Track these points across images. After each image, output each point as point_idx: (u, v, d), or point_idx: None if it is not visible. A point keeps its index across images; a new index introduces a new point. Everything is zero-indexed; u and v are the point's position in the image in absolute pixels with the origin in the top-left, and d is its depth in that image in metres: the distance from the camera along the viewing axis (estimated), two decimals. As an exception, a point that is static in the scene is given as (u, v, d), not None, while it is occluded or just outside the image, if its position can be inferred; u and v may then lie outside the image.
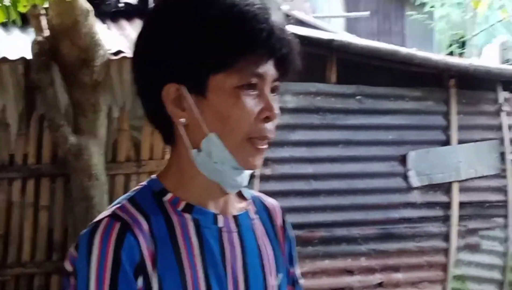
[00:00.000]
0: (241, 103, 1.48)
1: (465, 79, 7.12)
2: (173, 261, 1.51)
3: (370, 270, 6.87)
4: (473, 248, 7.29)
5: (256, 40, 1.47)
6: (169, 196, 1.57)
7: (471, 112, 7.27)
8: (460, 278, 7.22)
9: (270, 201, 1.78)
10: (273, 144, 6.38)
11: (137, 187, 1.61)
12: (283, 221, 1.77)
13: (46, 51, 5.51)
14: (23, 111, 6.07)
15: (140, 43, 1.59)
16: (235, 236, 1.61)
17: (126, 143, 6.07)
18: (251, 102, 1.49)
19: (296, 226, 6.50)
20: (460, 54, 14.29)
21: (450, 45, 14.60)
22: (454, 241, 7.12)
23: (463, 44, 14.44)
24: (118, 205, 1.54)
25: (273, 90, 1.55)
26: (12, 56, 5.73)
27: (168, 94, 1.52)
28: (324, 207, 6.63)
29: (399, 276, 6.98)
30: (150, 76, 1.56)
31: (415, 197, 7.01)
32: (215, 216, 1.59)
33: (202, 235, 1.55)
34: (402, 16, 15.54)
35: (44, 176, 5.93)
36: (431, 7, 14.18)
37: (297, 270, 1.81)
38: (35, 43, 5.53)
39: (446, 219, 7.12)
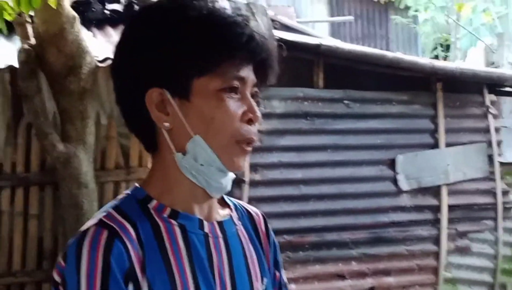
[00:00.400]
0: (225, 106, 1.52)
1: (451, 82, 7.14)
2: (162, 267, 1.51)
3: (361, 274, 6.86)
4: (463, 251, 7.30)
5: (237, 44, 1.51)
6: (153, 203, 1.57)
7: (458, 115, 7.29)
8: (451, 281, 7.23)
9: (253, 209, 1.81)
10: (262, 150, 6.40)
11: (121, 196, 1.62)
12: (266, 227, 1.79)
13: (32, 59, 5.47)
14: (10, 120, 6.03)
15: (122, 49, 1.60)
16: (221, 241, 1.62)
17: (115, 151, 6.05)
18: (234, 105, 1.53)
19: (286, 232, 6.55)
20: (445, 58, 14.35)
21: (435, 49, 14.66)
22: (444, 244, 7.13)
23: (447, 47, 14.50)
24: (104, 214, 1.54)
25: (253, 96, 1.58)
26: (-2, 65, 5.69)
27: (151, 98, 1.53)
28: (314, 212, 6.62)
29: (390, 280, 6.99)
30: (132, 81, 1.56)
31: (405, 200, 7.02)
32: (200, 222, 1.59)
33: (189, 240, 1.56)
34: (386, 20, 15.57)
35: (33, 185, 5.89)
36: (415, 10, 14.22)
37: (284, 276, 1.83)
38: (21, 51, 5.49)
39: (435, 222, 7.13)
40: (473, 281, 7.31)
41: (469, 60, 13.64)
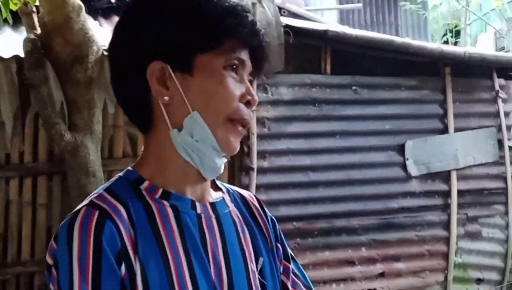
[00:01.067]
0: (227, 83, 1.54)
1: (460, 67, 7.10)
2: (155, 247, 1.51)
3: (371, 260, 6.85)
4: (474, 236, 7.27)
5: (241, 25, 1.54)
6: (146, 184, 1.58)
7: (468, 100, 7.26)
8: (461, 266, 7.21)
9: (245, 192, 1.83)
10: (270, 137, 6.40)
11: (113, 178, 1.63)
12: (261, 206, 1.81)
13: (38, 48, 5.47)
14: (17, 110, 6.04)
15: (124, 24, 1.62)
16: (214, 221, 1.62)
17: (122, 139, 6.06)
18: (235, 84, 1.56)
19: (295, 218, 6.55)
20: (455, 44, 14.25)
21: (444, 35, 14.57)
22: (454, 229, 7.10)
23: (457, 33, 14.41)
24: (95, 195, 1.55)
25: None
26: (5, 55, 5.70)
27: (153, 72, 1.55)
28: (323, 198, 6.60)
29: (400, 265, 6.97)
30: (134, 55, 1.57)
31: (414, 186, 6.99)
32: (193, 202, 1.60)
33: (181, 221, 1.56)
34: (395, 7, 15.50)
35: (41, 174, 5.90)
36: (424, -4, 14.17)
37: (288, 248, 1.82)
38: (27, 41, 5.49)
39: (445, 207, 7.11)
40: (483, 266, 7.29)
41: (479, 45, 13.57)
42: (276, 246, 1.78)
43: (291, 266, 1.80)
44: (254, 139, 6.24)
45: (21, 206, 5.86)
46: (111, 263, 1.44)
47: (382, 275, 6.89)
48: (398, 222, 6.93)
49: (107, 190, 1.56)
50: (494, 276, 7.34)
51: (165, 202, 1.56)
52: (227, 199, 1.71)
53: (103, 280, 1.43)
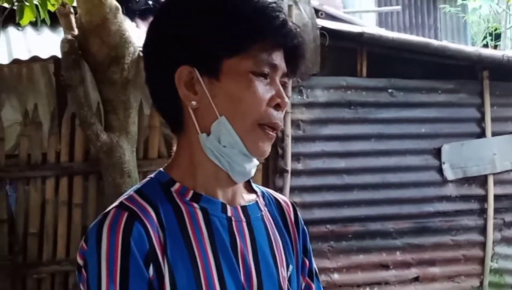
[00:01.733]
0: (254, 87, 1.51)
1: (498, 70, 7.03)
2: (184, 250, 1.50)
3: (406, 265, 6.81)
4: (510, 241, 7.20)
5: (270, 26, 1.50)
6: (176, 186, 1.57)
7: (505, 104, 7.18)
8: (497, 271, 7.13)
9: (281, 197, 1.79)
10: (305, 139, 6.39)
11: (145, 180, 1.61)
12: (295, 215, 1.76)
13: (75, 49, 5.52)
14: (54, 110, 6.10)
15: (156, 26, 1.60)
16: (245, 225, 1.60)
17: (158, 140, 6.09)
18: (263, 88, 1.52)
19: (329, 221, 6.54)
20: (495, 47, 14.11)
21: (484, 38, 14.43)
22: (491, 234, 7.03)
23: (497, 37, 14.26)
24: (125, 197, 1.54)
25: (281, 85, 1.57)
26: (43, 55, 5.76)
27: (181, 76, 1.53)
28: (357, 201, 6.58)
29: (435, 270, 6.92)
30: (163, 58, 1.56)
31: (450, 190, 6.94)
32: (223, 205, 1.58)
33: (211, 223, 1.55)
34: (434, 9, 15.36)
35: (77, 174, 5.97)
36: (464, -1, 14.04)
37: (314, 265, 1.79)
38: (64, 41, 5.54)
39: (482, 212, 7.04)
40: (520, 272, 7.21)
41: (520, 49, 13.41)
42: (303, 259, 1.75)
43: (314, 286, 1.78)
44: (288, 141, 6.24)
45: (57, 205, 5.93)
46: (139, 265, 1.44)
47: (416, 279, 6.85)
48: (434, 226, 6.88)
49: (137, 191, 1.55)
50: (530, 282, 7.26)
51: (195, 205, 1.55)
52: (261, 203, 1.68)
53: (131, 282, 1.43)
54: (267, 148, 1.56)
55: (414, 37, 7.17)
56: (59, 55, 5.61)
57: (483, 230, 7.03)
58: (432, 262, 6.89)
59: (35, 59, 5.78)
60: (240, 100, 1.51)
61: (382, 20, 14.81)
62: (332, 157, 6.54)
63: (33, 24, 5.52)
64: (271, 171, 6.33)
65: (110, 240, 1.44)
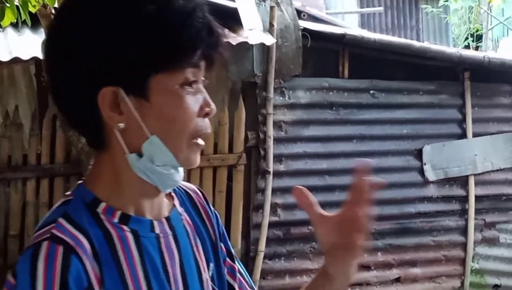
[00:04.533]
0: (185, 103, 1.43)
1: (479, 71, 7.05)
2: (117, 278, 1.43)
3: (387, 265, 6.83)
4: (491, 241, 7.23)
5: (197, 38, 1.43)
6: (102, 206, 1.47)
7: (486, 105, 7.20)
8: (478, 272, 7.16)
9: (189, 186, 1.72)
10: (287, 140, 6.40)
11: (66, 198, 1.49)
12: (206, 201, 1.72)
13: (57, 50, 5.49)
14: (35, 111, 6.08)
15: (64, 47, 1.44)
16: (171, 239, 1.55)
17: (139, 141, 6.07)
18: (192, 101, 1.45)
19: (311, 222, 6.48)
20: (477, 48, 14.19)
21: (466, 39, 14.50)
22: (472, 234, 7.06)
23: (479, 38, 14.34)
24: (53, 225, 1.41)
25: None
26: (24, 56, 5.72)
27: (104, 98, 1.41)
28: (339, 202, 6.40)
29: (416, 270, 6.94)
30: (81, 79, 1.42)
31: (431, 191, 6.96)
32: (151, 223, 1.52)
33: (141, 246, 1.49)
34: (416, 10, 15.44)
35: (58, 176, 5.95)
36: (446, 0, 14.09)
37: (231, 247, 1.75)
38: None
39: (463, 213, 7.06)
40: (501, 272, 7.23)
41: (501, 50, 13.49)
42: (220, 245, 1.70)
43: (236, 265, 1.74)
44: (270, 143, 6.24)
45: (38, 207, 5.89)
46: None
47: (398, 280, 6.87)
48: (415, 227, 6.90)
49: (64, 216, 1.42)
50: (511, 282, 7.28)
51: (125, 227, 1.47)
52: (178, 205, 1.63)
53: None
54: (198, 158, 1.51)
55: (396, 38, 7.19)
56: (40, 56, 5.58)
57: (464, 231, 7.05)
58: (413, 263, 6.91)
59: (16, 60, 5.73)
60: (173, 119, 1.43)
61: (365, 21, 14.87)
62: (314, 158, 6.55)
63: (14, 25, 5.49)
64: (253, 173, 6.33)
65: (46, 279, 1.33)
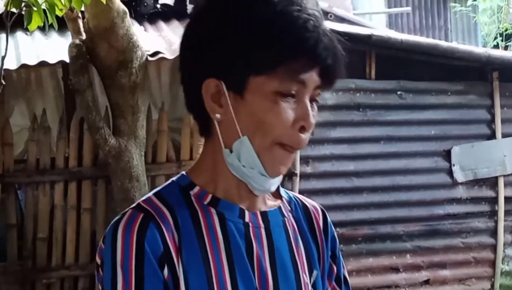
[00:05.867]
0: (278, 109, 1.45)
1: (508, 71, 6.99)
2: (198, 254, 1.49)
3: (416, 267, 6.79)
4: (521, 243, 7.17)
5: (302, 48, 1.44)
6: (196, 189, 1.56)
7: (516, 105, 7.15)
8: (508, 274, 7.11)
9: (310, 202, 1.74)
10: (313, 142, 6.36)
11: (166, 183, 1.61)
12: (325, 221, 1.72)
13: (83, 54, 5.52)
14: (63, 114, 6.11)
15: (187, 35, 1.58)
16: (263, 231, 1.58)
17: (166, 144, 6.08)
18: (288, 110, 1.46)
19: (339, 224, 6.50)
20: (506, 47, 14.06)
21: (495, 38, 14.37)
22: (502, 236, 7.01)
23: (508, 37, 14.21)
24: (144, 199, 1.54)
25: (313, 98, 1.51)
26: (51, 60, 5.76)
27: (208, 88, 1.50)
28: (367, 204, 6.56)
29: (446, 273, 6.90)
30: (193, 68, 1.55)
31: (460, 192, 6.92)
32: (241, 211, 1.56)
33: (227, 228, 1.53)
34: (445, 10, 15.30)
35: (86, 179, 5.97)
36: (474, 0, 13.97)
37: (343, 271, 1.75)
38: (72, 46, 5.55)
39: (492, 214, 7.01)
40: (531, 274, 7.18)
41: (531, 49, 13.36)
42: (330, 265, 1.71)
43: None
44: (297, 145, 6.22)
45: (66, 210, 5.93)
46: (153, 266, 1.45)
47: (427, 282, 6.83)
48: (444, 228, 6.86)
49: (156, 194, 1.55)
50: (542, 284, 7.22)
51: (212, 210, 1.54)
52: (285, 208, 1.65)
53: (146, 282, 1.44)
54: (284, 169, 1.53)
55: (423, 38, 7.15)
56: (67, 60, 5.61)
57: (493, 232, 7.00)
58: (442, 265, 6.87)
59: (43, 64, 5.78)
60: (262, 120, 1.46)
61: (392, 21, 14.77)
62: (341, 159, 6.53)
63: (41, 29, 5.53)
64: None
65: (124, 241, 1.45)
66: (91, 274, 5.86)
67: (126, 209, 1.52)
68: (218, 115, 1.50)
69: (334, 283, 1.73)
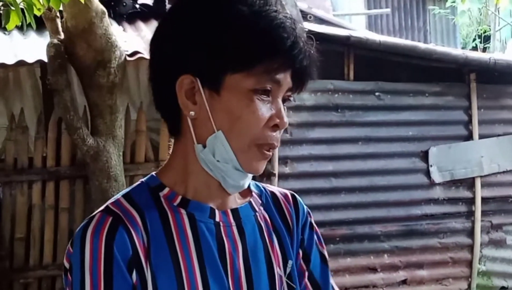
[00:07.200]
0: (254, 106, 1.48)
1: (485, 73, 7.04)
2: (168, 256, 1.50)
3: (394, 267, 6.81)
4: (498, 243, 7.21)
5: (280, 48, 1.46)
6: (166, 191, 1.56)
7: (492, 106, 7.18)
8: (485, 274, 7.14)
9: (280, 190, 1.76)
10: (292, 142, 6.39)
11: (136, 183, 1.61)
12: (295, 205, 1.73)
13: (61, 53, 5.52)
14: (41, 114, 6.10)
15: (163, 30, 1.58)
16: (234, 229, 1.59)
17: (144, 144, 6.08)
18: (263, 107, 1.49)
19: (317, 224, 6.45)
20: (484, 49, 14.17)
21: (474, 40, 14.48)
22: (478, 236, 7.04)
23: (487, 39, 14.32)
24: (112, 201, 1.53)
25: (285, 100, 1.54)
26: (29, 59, 5.74)
27: (182, 84, 1.51)
28: (345, 204, 6.58)
29: (423, 273, 6.93)
30: (167, 64, 1.54)
31: (438, 193, 6.95)
32: (212, 210, 1.57)
33: (197, 229, 1.54)
34: (424, 12, 15.39)
35: (64, 178, 5.96)
36: (453, 1, 14.04)
37: (324, 251, 1.75)
38: (50, 45, 5.54)
39: (469, 214, 7.05)
40: (508, 274, 7.21)
41: (509, 51, 13.47)
42: (297, 251, 1.71)
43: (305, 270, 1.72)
44: (276, 145, 6.23)
45: (44, 210, 5.92)
46: (122, 270, 1.44)
47: (404, 282, 6.85)
48: (421, 229, 6.89)
49: (125, 196, 1.55)
50: (518, 284, 7.27)
51: (182, 210, 1.54)
52: (256, 202, 1.67)
53: (115, 288, 1.43)
54: (261, 167, 1.55)
55: (401, 40, 7.18)
56: (46, 59, 5.60)
57: (470, 233, 7.04)
58: (420, 265, 6.90)
59: (21, 63, 5.76)
60: (239, 118, 1.48)
61: (372, 22, 14.83)
62: (320, 160, 6.54)
63: (19, 28, 5.51)
64: (258, 175, 6.31)
65: (93, 245, 1.44)
66: (69, 274, 5.86)
67: (95, 212, 1.51)
68: (192, 113, 1.51)
69: (302, 262, 1.72)
